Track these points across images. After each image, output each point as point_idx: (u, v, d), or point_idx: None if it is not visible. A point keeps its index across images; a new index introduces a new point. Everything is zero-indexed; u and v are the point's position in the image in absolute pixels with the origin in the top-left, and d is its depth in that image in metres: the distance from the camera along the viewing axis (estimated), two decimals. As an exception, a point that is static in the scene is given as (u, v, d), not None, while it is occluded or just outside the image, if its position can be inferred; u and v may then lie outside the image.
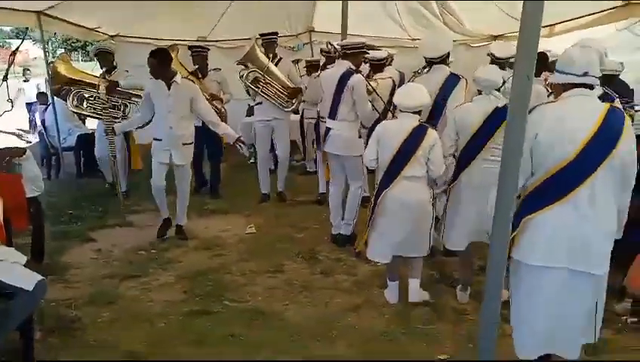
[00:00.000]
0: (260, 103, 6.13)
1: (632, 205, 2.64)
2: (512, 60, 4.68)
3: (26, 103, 11.48)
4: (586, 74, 2.53)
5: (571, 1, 5.87)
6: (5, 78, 7.21)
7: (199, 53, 6.44)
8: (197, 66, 6.40)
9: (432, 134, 3.65)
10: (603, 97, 3.52)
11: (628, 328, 3.55)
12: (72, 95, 5.96)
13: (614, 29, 6.43)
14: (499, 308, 2.77)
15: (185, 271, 4.44)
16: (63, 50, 27.58)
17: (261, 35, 6.12)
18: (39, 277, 3.05)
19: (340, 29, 6.10)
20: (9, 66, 7.21)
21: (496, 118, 3.48)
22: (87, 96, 5.98)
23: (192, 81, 5.33)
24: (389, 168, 3.72)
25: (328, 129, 4.85)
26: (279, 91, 6.03)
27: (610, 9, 5.86)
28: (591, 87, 2.58)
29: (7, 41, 35.31)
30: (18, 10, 6.04)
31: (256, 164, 7.45)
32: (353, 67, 4.70)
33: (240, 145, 4.92)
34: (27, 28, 7.01)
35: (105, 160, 6.36)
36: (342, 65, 4.74)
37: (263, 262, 4.62)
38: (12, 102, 8.77)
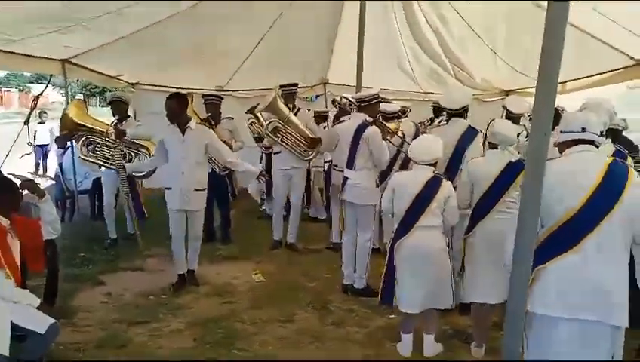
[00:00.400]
0: (279, 152, 6.22)
1: None
2: (526, 115, 4.83)
3: (37, 145, 11.44)
4: (584, 129, 2.67)
5: (582, 60, 6.01)
6: (27, 122, 7.40)
7: (212, 102, 6.53)
8: (209, 114, 6.40)
9: (446, 186, 3.71)
10: (615, 153, 3.55)
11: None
12: (81, 141, 5.97)
13: (626, 87, 6.54)
14: (517, 355, 2.72)
15: (195, 317, 4.41)
16: (81, 96, 28.33)
17: (282, 86, 6.23)
18: (52, 320, 3.06)
19: (355, 80, 6.27)
20: (31, 111, 7.41)
21: (510, 173, 3.57)
22: (95, 143, 5.96)
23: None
24: (404, 218, 3.75)
25: (346, 178, 4.93)
26: (298, 141, 6.11)
27: (622, 68, 5.97)
28: (592, 142, 2.69)
29: (28, 85, 36.33)
30: (44, 57, 6.25)
31: (265, 211, 7.55)
32: (369, 119, 4.84)
33: (262, 179, 5.24)
34: (51, 75, 7.22)
35: (110, 209, 6.33)
36: (358, 118, 4.91)
37: (274, 310, 4.58)
38: (32, 145, 8.97)
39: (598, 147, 2.72)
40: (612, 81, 6.25)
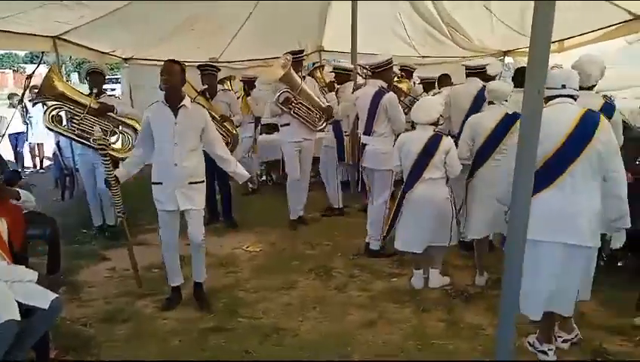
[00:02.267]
0: (287, 125, 5.92)
1: None
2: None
3: (9, 135, 10.01)
4: (564, 86, 3.10)
5: (580, 17, 5.94)
6: (21, 102, 7.39)
7: (210, 73, 6.09)
8: (206, 86, 6.00)
9: (446, 141, 4.16)
10: (604, 106, 3.68)
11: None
12: (50, 110, 5.37)
13: (624, 42, 6.48)
14: (515, 311, 2.91)
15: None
16: (76, 74, 28.11)
17: (292, 53, 5.82)
18: (54, 295, 3.07)
19: (350, 47, 6.19)
20: (24, 90, 7.39)
21: (505, 124, 4.06)
22: (74, 115, 5.36)
23: (201, 104, 4.81)
24: (410, 172, 4.23)
25: (364, 145, 5.06)
26: (310, 111, 5.86)
27: (620, 23, 5.90)
28: (572, 97, 3.12)
29: (22, 65, 35.98)
30: (35, 35, 6.17)
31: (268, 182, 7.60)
32: (384, 85, 4.94)
33: (250, 183, 4.51)
34: (43, 52, 7.14)
35: (92, 194, 5.81)
36: (373, 85, 4.97)
37: (277, 278, 4.63)
38: (30, 123, 8.82)
39: (575, 99, 3.14)
40: (611, 37, 6.20)
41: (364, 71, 5.23)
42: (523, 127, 2.74)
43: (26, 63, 35.50)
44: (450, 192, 4.27)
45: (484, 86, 4.87)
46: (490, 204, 3.85)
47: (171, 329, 3.77)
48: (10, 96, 10.86)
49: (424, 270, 4.40)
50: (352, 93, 5.55)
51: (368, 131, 5.00)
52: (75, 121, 5.37)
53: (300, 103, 5.78)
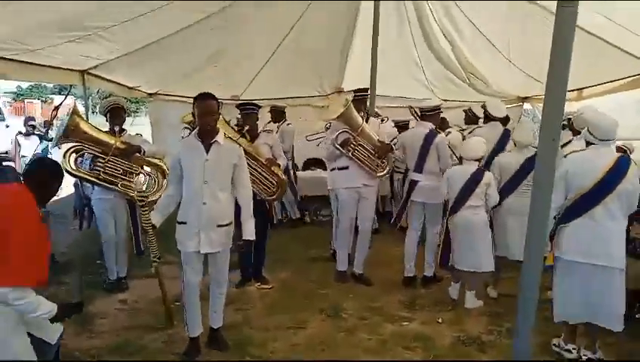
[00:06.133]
0: (346, 168, 5.45)
1: None
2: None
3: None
4: (602, 139, 3.77)
5: (600, 67, 5.98)
6: (47, 133, 7.60)
7: (251, 112, 5.37)
8: (247, 127, 5.27)
9: (488, 176, 4.83)
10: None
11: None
12: (70, 153, 4.83)
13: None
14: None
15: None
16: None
17: (355, 90, 5.66)
18: (61, 329, 3.08)
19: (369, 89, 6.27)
20: (51, 120, 7.61)
21: (529, 165, 4.61)
22: (97, 156, 4.88)
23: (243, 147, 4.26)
24: (456, 199, 4.85)
25: (415, 181, 5.40)
26: (371, 155, 5.41)
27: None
28: (607, 142, 3.78)
29: (50, 96, 36.84)
30: (64, 68, 6.38)
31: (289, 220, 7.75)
32: (433, 127, 5.35)
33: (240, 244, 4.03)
34: (71, 85, 7.36)
35: (110, 243, 5.26)
36: (424, 126, 5.38)
37: (286, 317, 4.60)
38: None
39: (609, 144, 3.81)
40: (629, 87, 6.21)
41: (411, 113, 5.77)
42: (538, 173, 2.78)
43: (54, 94, 36.38)
44: (488, 219, 4.89)
45: (506, 130, 5.61)
46: (515, 229, 4.75)
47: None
48: (28, 120, 8.93)
49: (461, 285, 4.96)
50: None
51: (419, 169, 5.35)
52: (99, 163, 4.87)
53: (361, 145, 5.35)
